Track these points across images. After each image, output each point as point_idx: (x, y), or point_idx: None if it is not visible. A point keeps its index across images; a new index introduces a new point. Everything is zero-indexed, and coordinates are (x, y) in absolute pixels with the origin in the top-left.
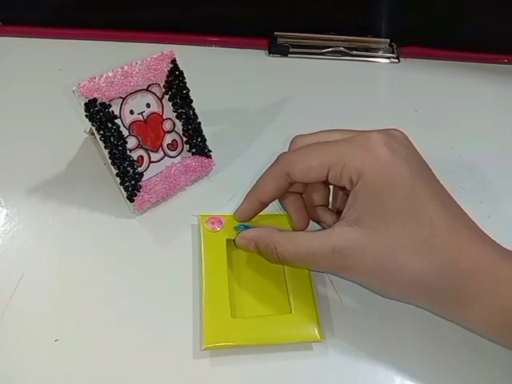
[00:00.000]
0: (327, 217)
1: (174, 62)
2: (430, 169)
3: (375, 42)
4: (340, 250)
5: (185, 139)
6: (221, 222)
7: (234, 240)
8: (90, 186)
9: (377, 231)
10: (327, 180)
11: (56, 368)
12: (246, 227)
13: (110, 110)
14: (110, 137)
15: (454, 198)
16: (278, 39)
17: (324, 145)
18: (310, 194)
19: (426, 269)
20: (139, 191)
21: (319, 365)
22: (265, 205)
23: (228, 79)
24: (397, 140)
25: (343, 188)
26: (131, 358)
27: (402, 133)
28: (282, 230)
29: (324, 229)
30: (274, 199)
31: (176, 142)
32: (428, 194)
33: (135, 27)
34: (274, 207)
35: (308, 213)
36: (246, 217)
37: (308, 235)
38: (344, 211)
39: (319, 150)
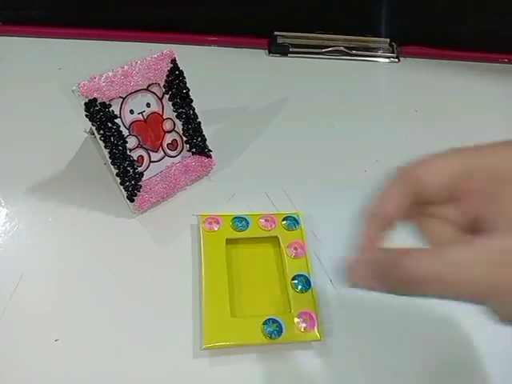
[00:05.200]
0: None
1: (173, 61)
2: None
3: (375, 42)
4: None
5: (185, 139)
6: (218, 222)
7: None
8: (90, 185)
9: None
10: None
11: (56, 368)
12: (242, 219)
13: (110, 109)
14: (110, 136)
15: None
16: (278, 39)
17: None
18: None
19: None
20: (139, 191)
21: (318, 364)
22: (389, 219)
23: (228, 79)
24: None
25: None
26: (131, 357)
27: None
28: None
29: None
30: (400, 210)
31: (176, 141)
32: None
33: (135, 27)
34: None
35: None
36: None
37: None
38: (487, 220)
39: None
